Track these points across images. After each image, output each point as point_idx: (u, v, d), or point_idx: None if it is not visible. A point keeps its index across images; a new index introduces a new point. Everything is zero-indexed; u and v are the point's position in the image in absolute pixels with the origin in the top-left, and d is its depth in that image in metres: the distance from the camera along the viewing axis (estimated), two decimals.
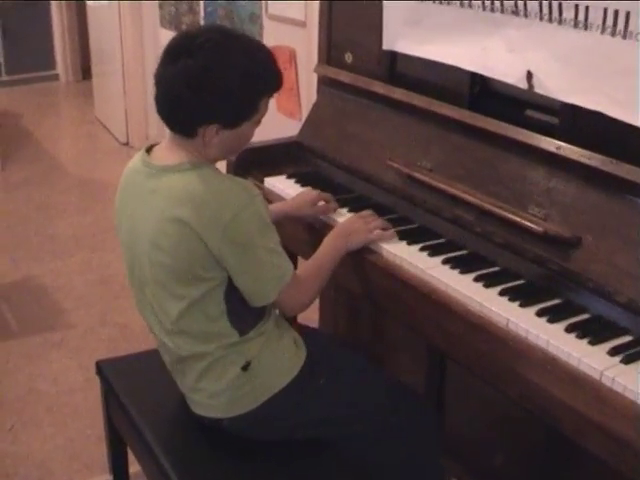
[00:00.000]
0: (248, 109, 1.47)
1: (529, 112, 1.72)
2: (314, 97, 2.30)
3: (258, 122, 1.50)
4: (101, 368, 1.81)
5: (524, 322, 1.42)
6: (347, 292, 2.16)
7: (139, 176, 1.51)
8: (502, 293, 1.51)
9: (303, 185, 2.05)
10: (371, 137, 2.00)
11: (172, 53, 1.43)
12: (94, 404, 2.17)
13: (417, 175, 1.81)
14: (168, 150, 1.50)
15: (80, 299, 3.23)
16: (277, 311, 1.61)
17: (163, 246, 1.44)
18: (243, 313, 1.51)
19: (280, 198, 1.99)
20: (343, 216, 1.86)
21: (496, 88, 1.81)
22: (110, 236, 3.77)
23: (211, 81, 1.40)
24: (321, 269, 1.62)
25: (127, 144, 5.18)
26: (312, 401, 1.57)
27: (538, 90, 1.59)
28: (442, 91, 1.88)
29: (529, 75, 1.59)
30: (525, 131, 1.62)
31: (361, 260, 1.72)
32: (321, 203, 1.88)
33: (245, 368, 1.51)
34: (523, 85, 1.61)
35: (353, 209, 1.89)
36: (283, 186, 2.06)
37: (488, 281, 1.55)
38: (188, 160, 1.46)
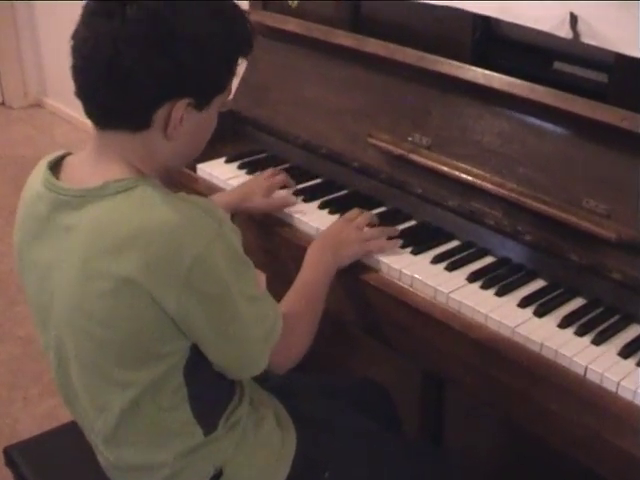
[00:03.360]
0: (226, 73, 1.02)
1: (559, 65, 1.30)
2: None
3: (224, 101, 1.06)
4: (11, 457, 1.30)
5: (609, 370, 1.03)
6: None
7: (41, 204, 1.01)
8: (565, 324, 1.12)
9: (250, 171, 1.59)
10: (338, 104, 1.53)
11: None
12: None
13: (412, 156, 1.37)
14: (88, 164, 1.01)
15: None
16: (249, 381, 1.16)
17: (93, 313, 0.96)
18: (209, 394, 1.06)
19: (221, 190, 1.52)
20: (312, 214, 1.42)
21: (504, 33, 1.38)
22: None
23: (185, 26, 0.94)
24: (312, 300, 1.17)
25: (3, 104, 4.46)
26: None
27: (586, 40, 1.16)
28: (429, 40, 1.44)
29: (573, 20, 1.16)
30: (569, 95, 1.19)
31: (352, 279, 1.29)
32: (278, 194, 1.44)
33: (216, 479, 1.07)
34: (565, 33, 1.18)
35: (327, 203, 1.44)
36: (223, 174, 1.58)
37: (541, 305, 1.15)
38: (118, 177, 0.97)
